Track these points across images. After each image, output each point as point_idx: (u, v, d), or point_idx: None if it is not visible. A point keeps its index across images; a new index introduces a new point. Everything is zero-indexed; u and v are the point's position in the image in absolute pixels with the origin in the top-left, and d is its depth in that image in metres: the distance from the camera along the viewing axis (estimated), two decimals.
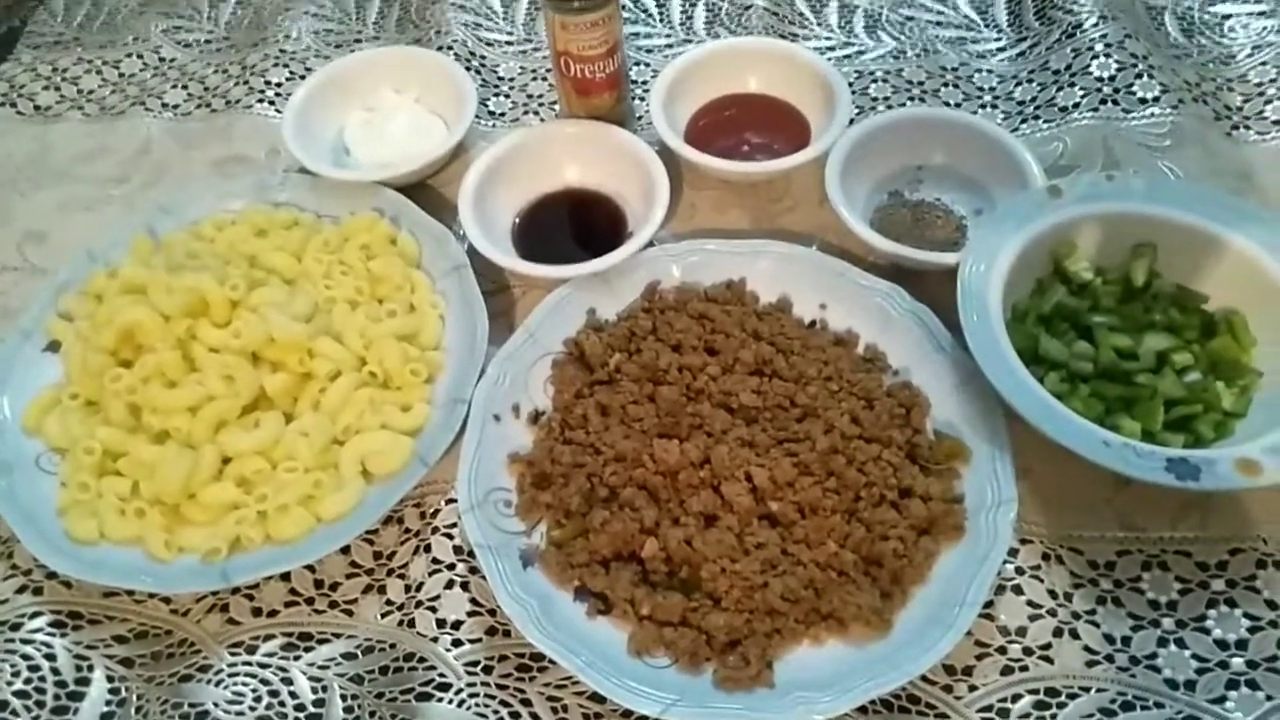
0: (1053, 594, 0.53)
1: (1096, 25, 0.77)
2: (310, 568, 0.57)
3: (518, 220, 0.71)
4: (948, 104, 0.77)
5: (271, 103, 0.82)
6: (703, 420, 0.56)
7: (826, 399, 0.57)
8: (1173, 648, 0.51)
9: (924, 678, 0.50)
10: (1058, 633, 0.52)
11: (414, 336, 0.63)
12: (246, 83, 0.84)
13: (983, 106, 0.77)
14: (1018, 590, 0.53)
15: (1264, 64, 0.76)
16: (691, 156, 0.68)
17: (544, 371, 0.62)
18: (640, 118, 0.77)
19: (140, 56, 0.88)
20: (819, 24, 0.85)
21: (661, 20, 0.86)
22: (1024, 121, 0.75)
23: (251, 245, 0.66)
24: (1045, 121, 0.74)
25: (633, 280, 0.64)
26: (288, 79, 0.84)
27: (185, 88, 0.85)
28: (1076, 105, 0.74)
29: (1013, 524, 0.52)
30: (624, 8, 0.76)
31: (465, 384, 0.60)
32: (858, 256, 0.66)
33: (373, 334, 0.62)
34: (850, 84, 0.72)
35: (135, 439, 0.58)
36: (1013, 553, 0.54)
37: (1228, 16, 0.80)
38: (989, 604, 0.52)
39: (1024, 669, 0.51)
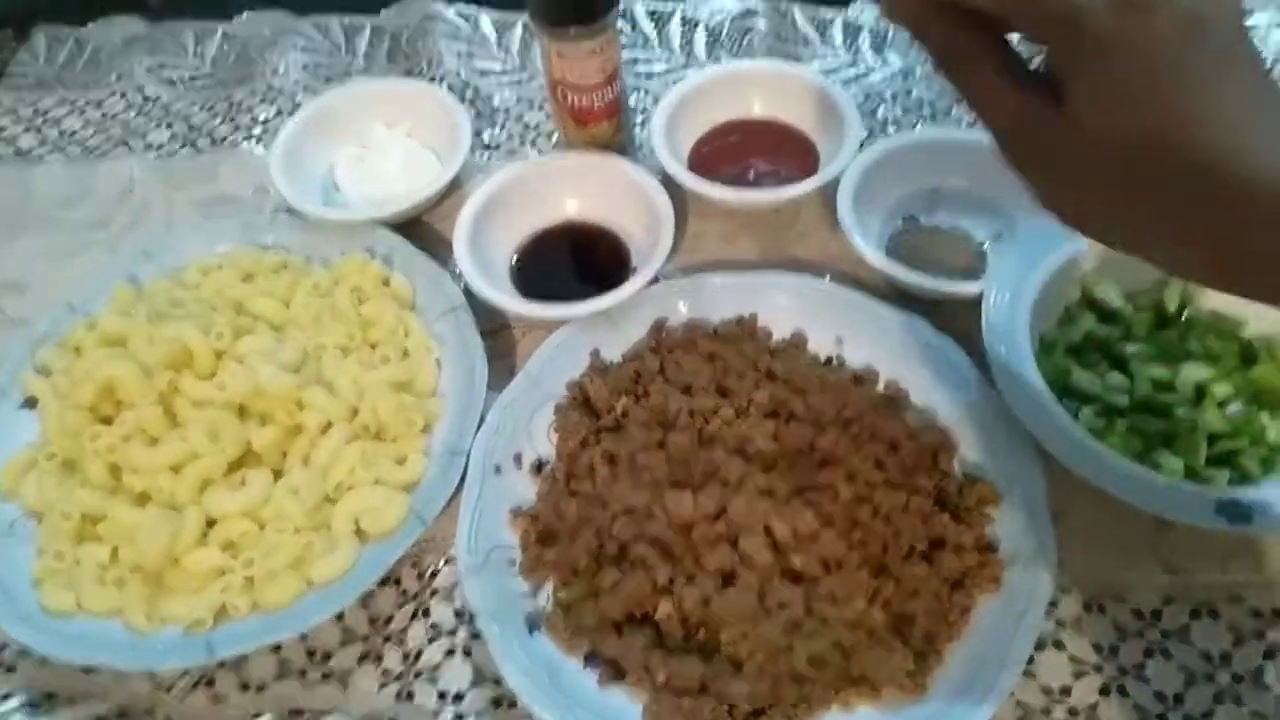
0: (1097, 648, 0.49)
1: None
2: (302, 635, 0.53)
3: (516, 257, 0.67)
4: (960, 124, 0.75)
5: (259, 140, 0.80)
6: (717, 468, 0.53)
7: (847, 444, 0.53)
8: (1229, 704, 0.47)
9: None
10: (1104, 691, 0.48)
11: (409, 383, 0.60)
12: (233, 119, 0.81)
13: None
14: (1059, 645, 0.50)
15: None
16: (696, 185, 0.65)
17: (547, 418, 0.58)
18: (641, 146, 0.74)
19: (124, 95, 0.85)
20: (824, 44, 0.82)
21: (660, 45, 0.84)
22: None
23: (238, 291, 0.63)
24: None
25: (638, 318, 0.61)
26: (275, 115, 0.81)
27: (170, 126, 0.82)
28: None
29: (1053, 574, 0.48)
30: (621, 33, 0.73)
31: (464, 433, 0.57)
32: (873, 286, 0.62)
33: (365, 382, 0.58)
34: (858, 106, 0.69)
35: (115, 501, 0.54)
36: (1051, 604, 0.50)
37: (1252, 28, 0.77)
38: (1029, 661, 0.48)
39: None
